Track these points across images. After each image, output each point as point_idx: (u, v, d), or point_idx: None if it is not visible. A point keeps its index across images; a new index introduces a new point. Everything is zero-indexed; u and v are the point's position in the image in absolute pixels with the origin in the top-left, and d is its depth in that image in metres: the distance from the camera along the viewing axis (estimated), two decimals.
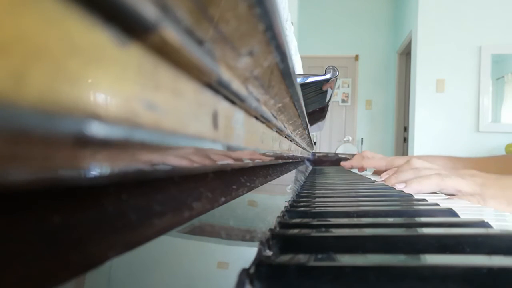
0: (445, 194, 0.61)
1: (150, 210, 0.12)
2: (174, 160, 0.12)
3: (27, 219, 0.08)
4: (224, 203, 0.19)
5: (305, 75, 0.67)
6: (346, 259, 0.19)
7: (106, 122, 0.08)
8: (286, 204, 0.37)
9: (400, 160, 0.97)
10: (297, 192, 0.51)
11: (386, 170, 0.93)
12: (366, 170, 1.21)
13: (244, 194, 0.23)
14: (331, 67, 0.68)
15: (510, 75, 3.32)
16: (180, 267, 0.13)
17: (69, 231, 0.08)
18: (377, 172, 1.08)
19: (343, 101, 4.71)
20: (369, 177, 0.93)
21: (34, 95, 0.06)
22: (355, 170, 1.24)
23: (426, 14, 3.35)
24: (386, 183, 0.68)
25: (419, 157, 0.95)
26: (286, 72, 0.22)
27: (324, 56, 4.57)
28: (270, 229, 0.25)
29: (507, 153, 3.02)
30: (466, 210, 0.42)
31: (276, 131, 0.35)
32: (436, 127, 3.35)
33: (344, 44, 4.64)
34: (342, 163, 1.17)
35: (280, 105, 0.29)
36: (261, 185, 0.30)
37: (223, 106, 0.16)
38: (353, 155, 1.24)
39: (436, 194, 0.61)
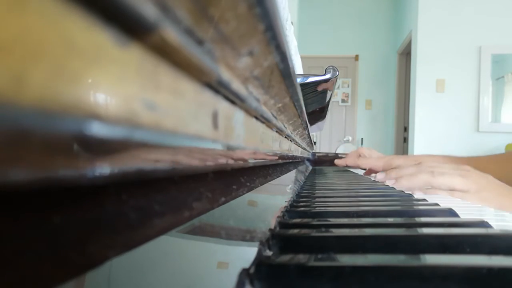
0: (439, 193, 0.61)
1: (150, 210, 0.12)
2: (174, 160, 0.12)
3: (27, 219, 0.08)
4: (224, 203, 0.19)
5: (305, 75, 0.67)
6: (346, 259, 0.19)
7: (106, 122, 0.08)
8: (286, 204, 0.37)
9: (398, 160, 0.94)
10: (297, 192, 0.51)
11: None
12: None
13: (244, 194, 0.23)
14: (331, 67, 0.68)
15: (510, 75, 3.32)
16: (180, 267, 0.13)
17: (69, 231, 0.08)
18: (369, 172, 1.02)
19: (343, 101, 4.71)
20: (370, 177, 0.93)
21: (34, 95, 0.06)
22: (357, 171, 1.20)
23: (426, 14, 3.35)
24: (385, 178, 0.67)
25: (418, 156, 0.94)
26: (286, 72, 0.22)
27: (324, 56, 4.57)
28: (270, 229, 0.25)
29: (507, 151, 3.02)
30: (466, 210, 0.42)
31: (276, 131, 0.35)
32: (436, 127, 3.35)
33: (344, 44, 4.64)
34: (336, 161, 1.10)
35: (280, 105, 0.29)
36: (261, 185, 0.30)
37: (223, 106, 0.16)
38: None
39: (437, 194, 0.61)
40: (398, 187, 0.60)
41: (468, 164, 0.92)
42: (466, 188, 0.58)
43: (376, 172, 0.97)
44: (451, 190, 0.59)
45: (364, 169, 1.09)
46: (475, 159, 0.95)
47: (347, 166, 1.08)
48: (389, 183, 0.62)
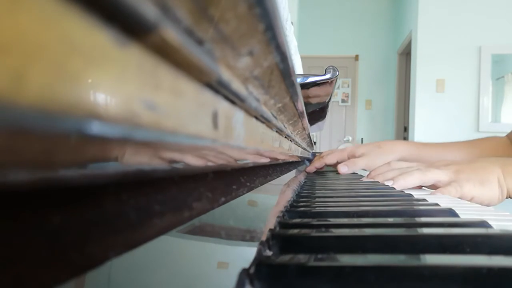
0: (427, 188, 0.66)
1: (150, 210, 0.12)
2: (174, 160, 0.12)
3: (27, 219, 0.08)
4: (224, 203, 0.19)
5: (305, 75, 0.67)
6: (346, 259, 0.19)
7: (106, 122, 0.08)
8: (286, 204, 0.37)
9: (361, 148, 0.95)
10: (297, 192, 0.51)
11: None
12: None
13: (244, 194, 0.23)
14: (331, 67, 0.68)
15: (510, 75, 3.32)
16: (180, 267, 0.13)
17: (69, 231, 0.08)
18: (337, 166, 0.99)
19: (343, 101, 4.71)
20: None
21: (34, 95, 0.06)
22: (365, 172, 1.18)
23: (426, 14, 3.35)
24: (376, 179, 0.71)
25: (379, 143, 0.96)
26: (286, 72, 0.22)
27: (324, 56, 4.57)
28: (270, 229, 0.25)
29: None
30: (466, 210, 0.42)
31: (276, 131, 0.35)
32: (436, 127, 3.35)
33: (344, 44, 4.64)
34: (307, 169, 1.06)
35: (280, 105, 0.29)
36: (261, 185, 0.30)
37: (223, 106, 0.16)
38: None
39: (424, 190, 0.65)
40: (395, 186, 0.64)
41: (435, 150, 0.93)
42: (450, 179, 0.63)
43: (343, 161, 0.95)
44: (440, 182, 0.63)
45: (334, 165, 1.04)
46: (443, 145, 0.96)
47: (316, 169, 1.06)
48: (387, 184, 0.65)
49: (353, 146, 0.99)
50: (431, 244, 0.23)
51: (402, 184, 0.65)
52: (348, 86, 4.69)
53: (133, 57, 0.08)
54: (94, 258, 0.08)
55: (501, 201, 0.63)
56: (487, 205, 0.62)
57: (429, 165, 0.68)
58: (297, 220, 0.31)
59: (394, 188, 0.62)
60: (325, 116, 1.07)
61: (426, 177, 0.64)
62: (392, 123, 4.54)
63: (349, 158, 0.95)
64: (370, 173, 0.76)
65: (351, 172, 0.94)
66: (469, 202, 0.57)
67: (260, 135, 0.26)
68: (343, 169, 0.92)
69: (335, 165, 1.01)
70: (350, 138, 4.29)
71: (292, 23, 1.24)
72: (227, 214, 0.20)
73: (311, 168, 1.04)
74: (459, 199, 0.56)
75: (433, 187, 0.65)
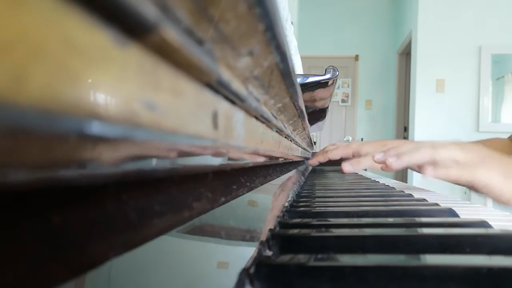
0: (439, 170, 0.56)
1: (150, 210, 0.12)
2: (174, 160, 0.12)
3: (27, 219, 0.08)
4: (224, 203, 0.19)
5: (305, 75, 0.67)
6: (346, 259, 0.19)
7: (106, 122, 0.08)
8: (286, 204, 0.37)
9: (366, 146, 0.90)
10: (297, 192, 0.51)
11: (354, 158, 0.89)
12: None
13: (244, 194, 0.23)
14: (331, 67, 0.68)
15: (510, 75, 3.31)
16: (180, 267, 0.13)
17: (69, 231, 0.08)
18: (342, 165, 0.96)
19: (343, 101, 4.71)
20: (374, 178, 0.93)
21: (34, 95, 0.06)
22: (365, 172, 1.16)
23: (426, 14, 3.35)
24: (384, 157, 0.61)
25: (386, 141, 0.92)
26: (286, 72, 0.22)
27: (324, 56, 4.56)
28: (270, 229, 0.25)
29: None
30: (466, 210, 0.42)
31: (276, 131, 0.35)
32: (436, 127, 3.35)
33: (344, 44, 4.64)
34: (309, 162, 1.04)
35: (280, 105, 0.29)
36: (261, 185, 0.30)
37: (223, 106, 0.16)
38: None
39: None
40: (400, 164, 0.55)
41: None
42: (467, 160, 0.55)
43: (347, 159, 0.92)
44: (454, 162, 0.55)
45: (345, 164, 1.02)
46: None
47: (320, 163, 1.04)
48: (391, 160, 0.57)
49: (358, 143, 0.94)
50: (431, 244, 0.23)
51: (407, 160, 0.55)
52: (348, 86, 4.69)
53: (133, 57, 0.08)
54: (94, 258, 0.08)
55: None
56: (505, 203, 0.54)
57: (450, 143, 0.58)
58: (297, 220, 0.31)
59: (394, 188, 0.61)
60: (325, 116, 1.07)
61: (438, 153, 0.54)
62: (392, 123, 4.54)
63: (353, 156, 0.92)
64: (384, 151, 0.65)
65: (355, 171, 0.92)
66: (473, 173, 0.51)
67: (260, 135, 0.26)
68: (347, 167, 0.87)
69: (338, 161, 1.00)
70: (350, 138, 4.29)
71: (292, 23, 1.24)
72: (227, 214, 0.20)
73: (314, 161, 1.02)
74: (459, 199, 0.56)
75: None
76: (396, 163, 0.57)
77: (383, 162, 0.61)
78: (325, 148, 1.04)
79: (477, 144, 0.60)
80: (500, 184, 0.53)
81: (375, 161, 0.64)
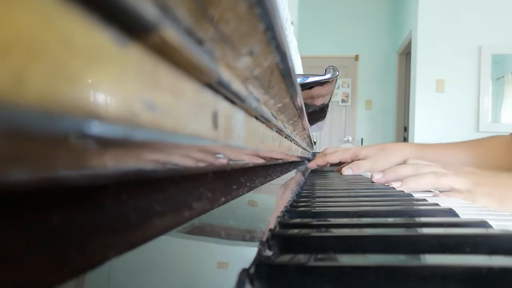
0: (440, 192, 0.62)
1: (150, 210, 0.12)
2: (174, 160, 0.12)
3: (26, 219, 0.08)
4: (224, 203, 0.19)
5: (305, 75, 0.67)
6: (346, 259, 0.19)
7: (106, 122, 0.08)
8: (286, 204, 0.37)
9: (364, 150, 0.93)
10: (297, 192, 0.51)
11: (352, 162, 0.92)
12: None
13: (244, 194, 0.23)
14: (331, 67, 0.68)
15: (510, 75, 3.32)
16: (180, 267, 0.13)
17: (69, 231, 0.08)
18: (340, 168, 0.99)
19: (343, 101, 4.71)
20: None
21: (34, 94, 0.06)
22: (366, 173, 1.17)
23: (426, 14, 3.35)
24: (384, 179, 0.67)
25: (382, 144, 0.94)
26: (286, 72, 0.22)
27: (324, 56, 4.57)
28: (270, 229, 0.25)
29: None
30: (466, 210, 0.42)
31: (276, 131, 0.35)
32: (436, 127, 3.35)
33: (344, 44, 4.64)
34: (308, 164, 1.06)
35: (280, 105, 0.29)
36: (261, 185, 0.30)
37: (223, 106, 0.16)
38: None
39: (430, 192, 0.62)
40: (407, 191, 0.60)
41: (436, 151, 0.91)
42: (466, 188, 0.59)
43: (345, 162, 0.95)
44: (454, 190, 0.59)
45: (336, 164, 1.04)
46: (443, 146, 0.94)
47: (318, 166, 1.04)
48: (395, 185, 0.62)
49: (356, 148, 0.97)
50: (431, 244, 0.23)
51: (412, 187, 0.60)
52: (348, 86, 4.69)
53: (133, 57, 0.08)
54: (94, 258, 0.08)
55: None
56: None
57: (448, 168, 0.63)
58: (297, 220, 0.31)
59: (394, 188, 0.61)
60: (325, 116, 1.07)
61: (440, 182, 0.59)
62: (392, 123, 4.54)
63: (352, 160, 0.94)
64: (384, 170, 0.70)
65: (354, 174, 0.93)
66: (471, 200, 0.56)
67: (260, 135, 0.26)
68: (347, 171, 0.90)
69: (337, 165, 1.01)
70: (350, 138, 4.29)
71: (292, 23, 1.24)
72: (227, 214, 0.20)
73: (313, 164, 1.04)
74: (459, 199, 0.56)
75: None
76: (401, 188, 0.61)
77: (382, 183, 0.66)
78: (324, 151, 1.05)
79: (472, 169, 0.65)
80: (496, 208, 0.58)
81: (374, 182, 0.69)
